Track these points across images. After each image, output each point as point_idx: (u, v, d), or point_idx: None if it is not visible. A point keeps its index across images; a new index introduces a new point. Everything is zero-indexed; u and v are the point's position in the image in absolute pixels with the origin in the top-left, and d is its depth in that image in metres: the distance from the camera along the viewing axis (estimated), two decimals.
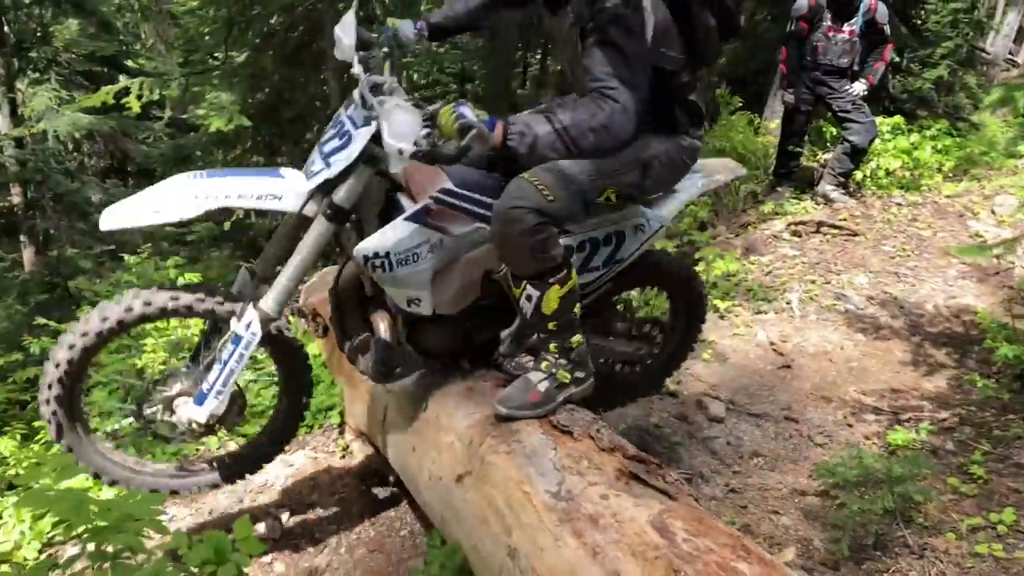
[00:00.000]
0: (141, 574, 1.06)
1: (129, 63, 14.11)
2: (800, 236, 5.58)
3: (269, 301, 2.22)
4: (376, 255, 2.13)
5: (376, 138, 1.98)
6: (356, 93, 2.13)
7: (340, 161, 2.06)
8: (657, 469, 2.01)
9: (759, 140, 6.73)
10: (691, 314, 3.04)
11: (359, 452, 3.25)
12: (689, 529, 1.67)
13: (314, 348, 3.92)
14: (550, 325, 2.22)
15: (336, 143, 2.12)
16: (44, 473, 1.36)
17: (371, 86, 2.10)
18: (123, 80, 7.41)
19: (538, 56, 13.86)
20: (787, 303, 4.71)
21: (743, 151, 6.42)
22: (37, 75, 11.73)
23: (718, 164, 2.90)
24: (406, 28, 2.46)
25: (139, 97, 5.70)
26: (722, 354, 4.25)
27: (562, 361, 2.28)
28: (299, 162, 2.35)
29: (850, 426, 3.51)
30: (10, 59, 11.17)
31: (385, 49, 2.35)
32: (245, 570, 1.13)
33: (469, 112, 1.89)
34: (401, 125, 1.92)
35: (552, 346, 2.27)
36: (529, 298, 2.17)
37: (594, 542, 1.70)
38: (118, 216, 2.09)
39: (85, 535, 1.12)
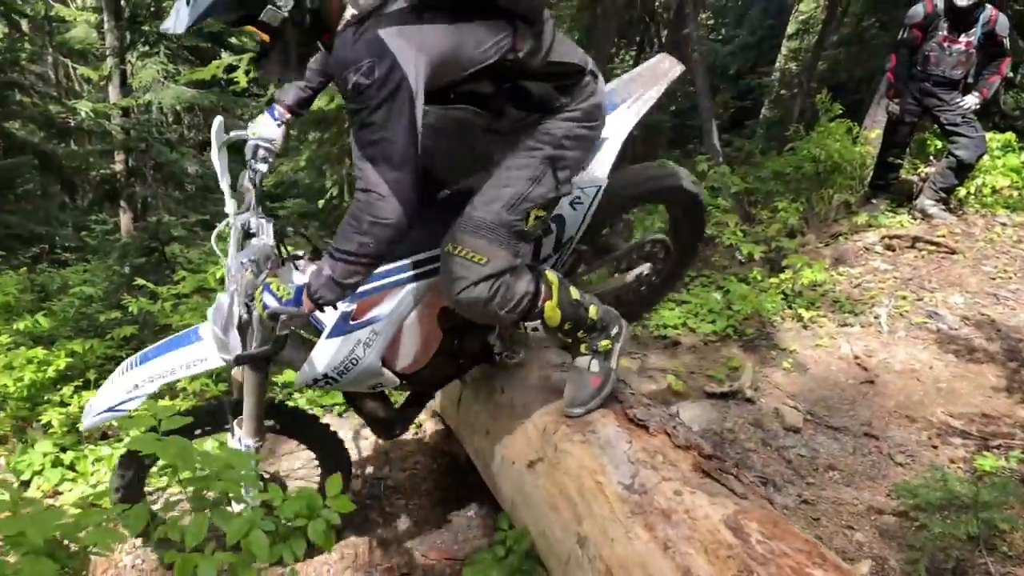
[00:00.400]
0: (238, 521, 1.12)
1: (233, 40, 14.66)
2: (894, 250, 5.39)
3: (247, 435, 2.26)
4: (316, 380, 2.14)
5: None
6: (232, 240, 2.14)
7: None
8: (732, 469, 1.99)
9: (857, 149, 6.51)
10: (692, 220, 2.91)
11: (432, 431, 3.31)
12: (764, 532, 1.65)
13: None
14: (565, 326, 2.22)
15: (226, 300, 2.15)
16: (140, 422, 1.43)
17: (244, 232, 2.10)
18: (225, 56, 7.69)
19: (632, 52, 13.72)
20: (875, 317, 4.56)
21: (839, 160, 6.23)
22: (147, 48, 12.32)
23: (644, 75, 2.57)
24: (267, 127, 2.33)
25: (247, 73, 5.91)
26: (803, 364, 4.14)
27: (594, 335, 2.29)
28: None
29: (934, 448, 3.38)
30: (124, 32, 11.73)
31: (248, 177, 2.24)
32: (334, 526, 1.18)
33: (272, 299, 1.83)
34: (218, 341, 1.98)
35: (579, 334, 2.28)
36: (535, 328, 2.19)
37: (666, 536, 1.69)
38: (89, 418, 2.25)
39: (187, 481, 1.19)
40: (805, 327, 4.54)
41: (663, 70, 2.62)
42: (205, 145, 15.45)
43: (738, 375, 3.96)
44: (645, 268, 2.93)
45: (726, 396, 3.77)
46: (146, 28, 12.18)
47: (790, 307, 4.74)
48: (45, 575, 1.01)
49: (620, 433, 2.10)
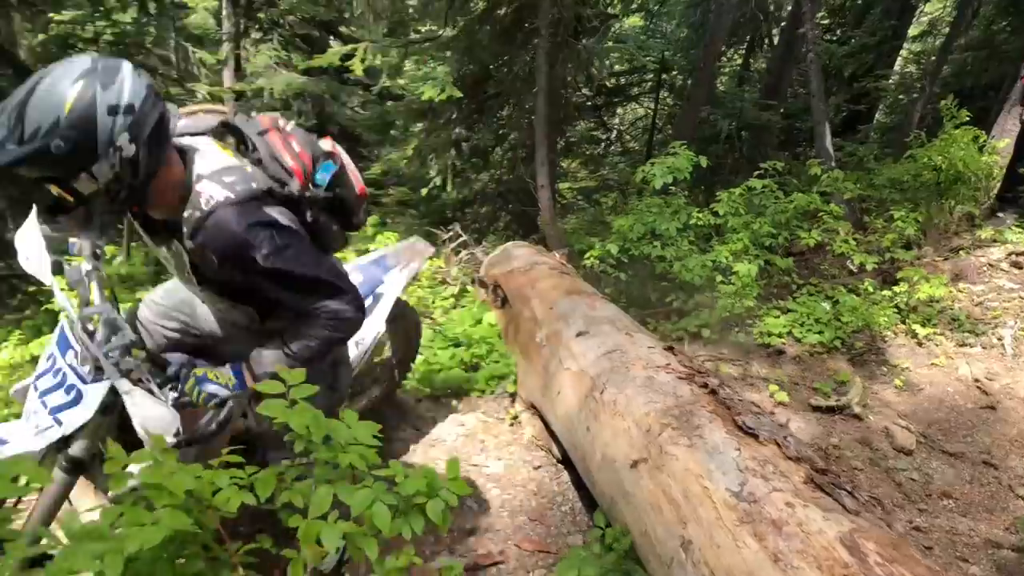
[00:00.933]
0: (362, 494, 1.13)
1: (343, 29, 15.06)
2: (1021, 268, 5.05)
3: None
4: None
5: (113, 390, 1.82)
6: (70, 336, 1.90)
7: (74, 420, 1.86)
8: (847, 485, 1.91)
9: (983, 159, 6.13)
10: (411, 336, 3.38)
11: (528, 423, 3.31)
12: (883, 554, 1.57)
13: (490, 317, 4.03)
14: None
15: (63, 398, 1.89)
16: (269, 387, 1.45)
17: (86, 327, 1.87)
18: (334, 45, 7.88)
19: (742, 51, 13.37)
20: (998, 339, 4.29)
21: (963, 169, 5.88)
22: (261, 35, 12.77)
23: (407, 251, 3.12)
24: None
25: (362, 61, 6.04)
26: (916, 383, 3.94)
27: None
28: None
29: None
30: (240, 18, 12.20)
31: (86, 267, 1.91)
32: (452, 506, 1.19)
33: (213, 385, 1.82)
34: (155, 421, 1.78)
35: None
36: None
37: (776, 548, 1.64)
38: None
39: (315, 450, 1.22)
40: (920, 344, 4.32)
41: (419, 250, 3.16)
42: (311, 132, 15.86)
43: (845, 389, 3.81)
44: (376, 390, 3.31)
45: (832, 410, 3.63)
46: (261, 15, 12.64)
47: (903, 322, 4.52)
48: (182, 527, 1.06)
49: (728, 440, 2.05)
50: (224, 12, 12.07)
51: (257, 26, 12.88)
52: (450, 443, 3.23)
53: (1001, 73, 9.00)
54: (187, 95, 12.39)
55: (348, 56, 6.12)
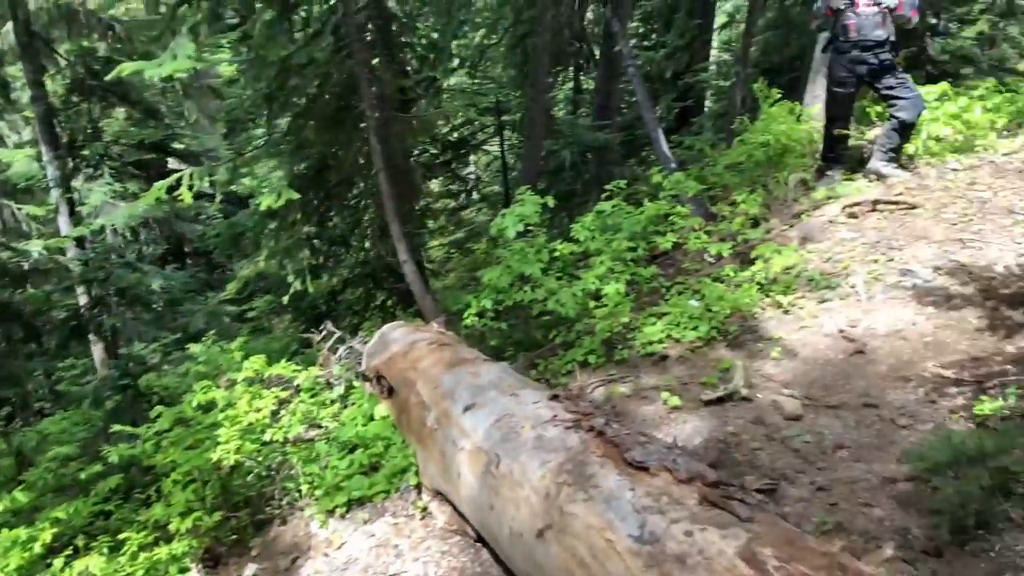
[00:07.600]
0: None
1: (176, 145, 14.69)
2: (856, 217, 5.41)
3: None
4: None
5: None
6: None
7: None
8: (740, 492, 1.97)
9: (802, 127, 6.57)
10: None
11: (438, 511, 3.25)
12: (780, 555, 1.63)
13: (381, 410, 3.96)
14: None
15: None
16: None
17: None
18: (174, 174, 7.69)
19: (571, 72, 13.92)
20: (851, 287, 4.56)
21: (787, 141, 6.27)
22: (91, 171, 12.27)
23: None
24: None
25: (190, 188, 5.83)
26: (791, 350, 4.13)
27: None
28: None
29: (933, 403, 3.34)
30: (65, 159, 11.63)
31: None
32: None
33: None
34: None
35: None
36: None
37: None
38: None
39: None
40: (786, 312, 4.54)
41: None
42: (166, 257, 15.33)
43: (730, 376, 3.94)
44: None
45: (722, 400, 3.73)
46: (86, 152, 12.11)
47: (768, 296, 4.74)
48: None
49: (622, 481, 2.08)
50: (45, 157, 11.48)
51: (85, 163, 12.38)
52: (363, 561, 3.13)
53: (801, 44, 9.70)
54: (20, 257, 11.64)
55: (174, 188, 5.93)
